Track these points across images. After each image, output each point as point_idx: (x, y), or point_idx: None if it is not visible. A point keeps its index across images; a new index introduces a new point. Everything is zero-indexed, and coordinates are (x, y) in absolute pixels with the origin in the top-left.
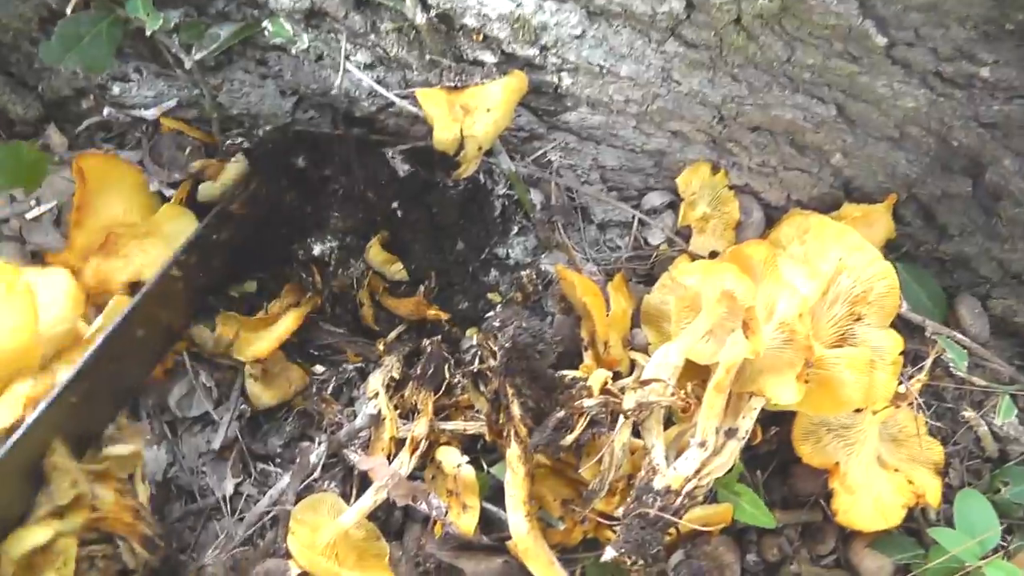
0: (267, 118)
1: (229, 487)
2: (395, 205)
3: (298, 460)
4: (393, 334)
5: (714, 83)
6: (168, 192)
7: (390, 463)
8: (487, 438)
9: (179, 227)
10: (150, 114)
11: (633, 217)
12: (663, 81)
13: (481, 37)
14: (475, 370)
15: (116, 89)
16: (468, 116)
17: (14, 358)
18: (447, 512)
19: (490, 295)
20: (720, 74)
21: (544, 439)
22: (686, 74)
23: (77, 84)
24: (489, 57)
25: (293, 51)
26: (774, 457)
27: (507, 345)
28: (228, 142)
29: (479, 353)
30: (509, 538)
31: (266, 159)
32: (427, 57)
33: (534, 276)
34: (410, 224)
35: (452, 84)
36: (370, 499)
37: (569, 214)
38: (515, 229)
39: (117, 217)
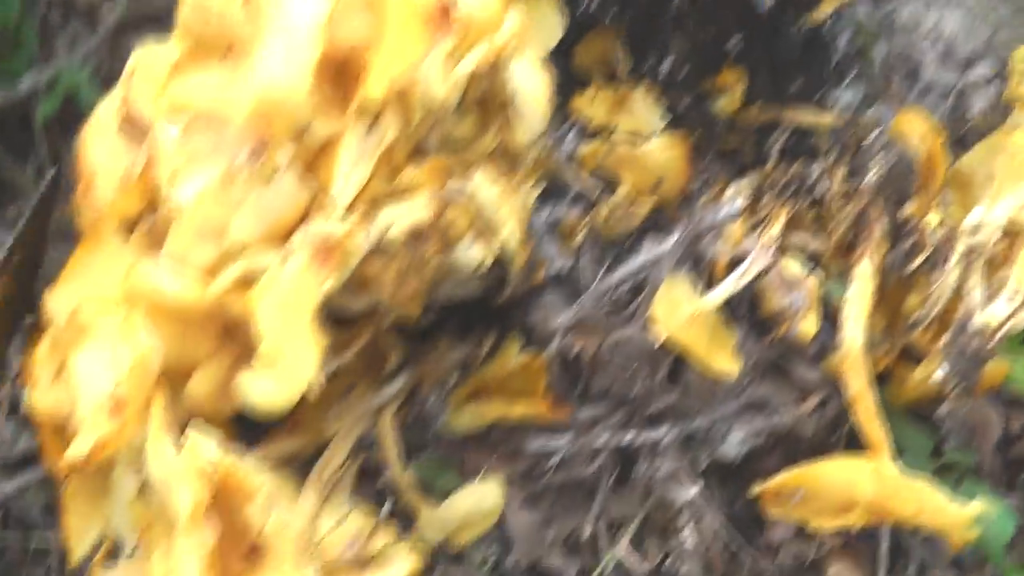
0: None
1: (571, 261)
2: (736, 39)
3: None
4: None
5: None
6: None
7: None
8: (826, 256)
9: None
10: None
11: (958, 84)
12: None
13: None
14: (834, 191)
15: None
16: None
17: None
18: (799, 310)
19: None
20: None
21: (897, 261)
22: None
23: None
24: None
25: None
26: None
27: (884, 172)
28: None
29: (830, 176)
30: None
31: None
32: None
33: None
34: (751, 59)
35: None
36: (732, 283)
37: (902, 71)
38: (848, 78)
39: None
